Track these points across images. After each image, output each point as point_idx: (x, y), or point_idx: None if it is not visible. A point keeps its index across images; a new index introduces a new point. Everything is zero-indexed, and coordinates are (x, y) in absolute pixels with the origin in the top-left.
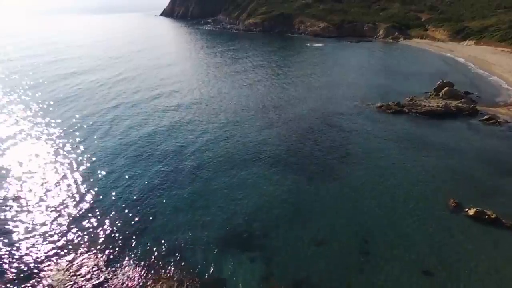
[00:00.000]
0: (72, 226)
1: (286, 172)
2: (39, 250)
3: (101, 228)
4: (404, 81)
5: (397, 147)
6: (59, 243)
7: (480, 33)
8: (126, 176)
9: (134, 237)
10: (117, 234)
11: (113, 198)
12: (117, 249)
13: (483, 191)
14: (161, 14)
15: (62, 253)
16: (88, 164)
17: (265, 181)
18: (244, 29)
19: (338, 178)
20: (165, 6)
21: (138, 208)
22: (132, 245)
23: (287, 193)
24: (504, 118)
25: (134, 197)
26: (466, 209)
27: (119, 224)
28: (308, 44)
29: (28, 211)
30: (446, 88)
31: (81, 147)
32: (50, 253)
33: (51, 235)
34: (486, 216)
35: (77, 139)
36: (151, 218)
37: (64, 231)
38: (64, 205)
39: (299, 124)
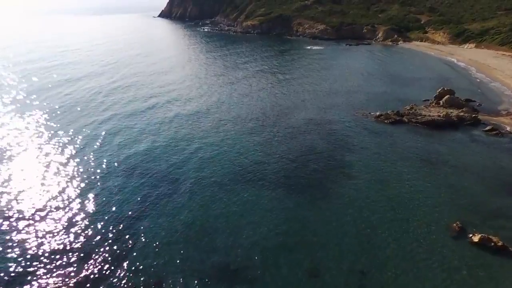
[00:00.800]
0: (51, 260)
1: (283, 195)
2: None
3: (82, 260)
4: (403, 87)
5: (398, 164)
6: (34, 278)
7: (480, 36)
8: (115, 200)
9: (119, 271)
10: (101, 267)
11: (100, 226)
12: (100, 285)
13: (487, 213)
14: (159, 15)
15: None
16: (76, 185)
17: (261, 207)
18: (242, 31)
19: (336, 200)
20: (163, 7)
21: (125, 238)
22: (117, 280)
23: (283, 219)
24: (508, 129)
25: (122, 225)
26: (470, 235)
27: (102, 257)
28: (308, 47)
29: (3, 238)
30: (447, 96)
31: (70, 165)
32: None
33: (24, 266)
34: (492, 244)
35: (67, 156)
36: (138, 250)
37: (41, 264)
38: (44, 233)
39: (297, 138)
